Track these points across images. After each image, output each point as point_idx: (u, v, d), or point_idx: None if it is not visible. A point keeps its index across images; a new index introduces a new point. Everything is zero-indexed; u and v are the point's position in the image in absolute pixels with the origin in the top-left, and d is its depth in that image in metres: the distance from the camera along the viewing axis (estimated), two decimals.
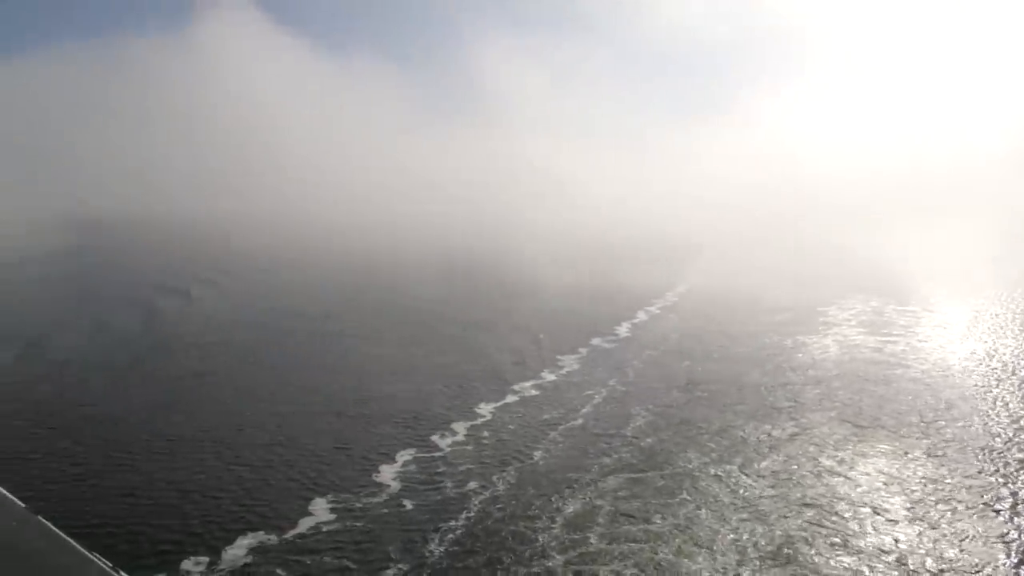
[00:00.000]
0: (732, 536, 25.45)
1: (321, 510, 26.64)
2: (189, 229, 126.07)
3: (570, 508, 27.35)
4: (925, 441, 35.16)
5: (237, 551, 24.00)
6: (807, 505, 28.07)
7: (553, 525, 26.08)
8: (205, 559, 23.44)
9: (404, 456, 31.62)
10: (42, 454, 31.30)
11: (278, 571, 22.86)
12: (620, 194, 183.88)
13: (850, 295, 75.97)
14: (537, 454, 32.48)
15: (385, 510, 26.87)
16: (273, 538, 24.74)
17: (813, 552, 24.61)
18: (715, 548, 24.62)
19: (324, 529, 25.34)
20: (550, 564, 23.67)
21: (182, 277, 78.98)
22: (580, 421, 36.99)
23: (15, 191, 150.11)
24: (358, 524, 25.76)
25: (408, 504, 27.33)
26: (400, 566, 23.23)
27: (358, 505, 27.13)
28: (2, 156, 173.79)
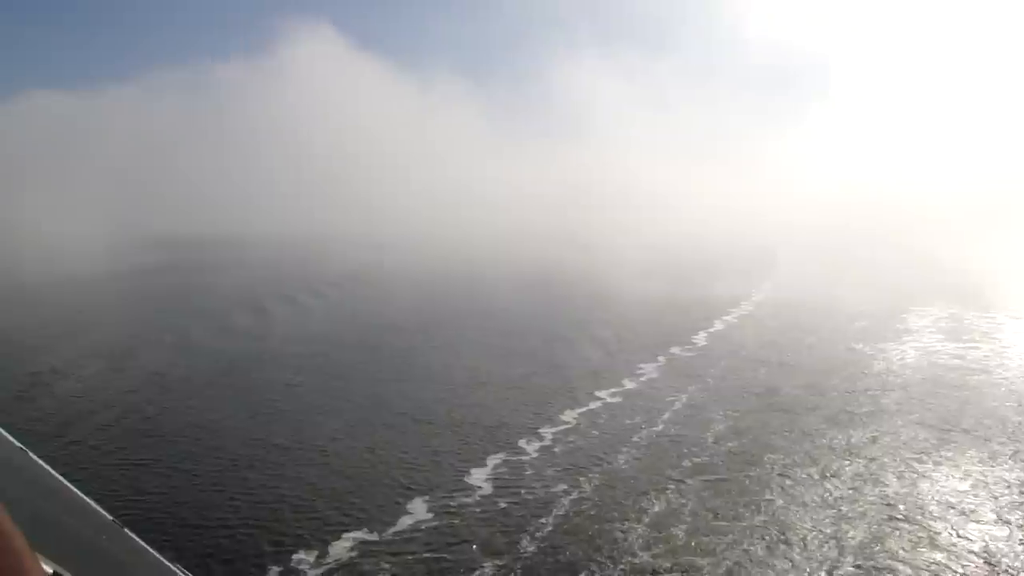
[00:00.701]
0: (820, 534, 26.09)
1: (419, 509, 28.23)
2: (273, 247, 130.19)
3: (655, 507, 28.36)
4: (1011, 446, 34.99)
5: (343, 546, 25.70)
6: (891, 505, 28.49)
7: (639, 524, 27.12)
8: (314, 552, 25.27)
9: (494, 460, 33.08)
10: (132, 465, 32.82)
11: (383, 563, 24.54)
12: (701, 205, 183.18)
13: (930, 302, 74.83)
14: (621, 458, 33.57)
15: (479, 509, 28.35)
16: (375, 535, 26.39)
17: (900, 549, 25.14)
18: (807, 544, 25.38)
19: (423, 527, 26.92)
20: (638, 560, 24.77)
21: (268, 293, 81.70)
22: (661, 427, 37.92)
23: (105, 210, 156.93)
24: (455, 522, 27.28)
25: (500, 503, 28.75)
26: (496, 561, 24.62)
27: (453, 505, 28.66)
28: (96, 177, 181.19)
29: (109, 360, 51.28)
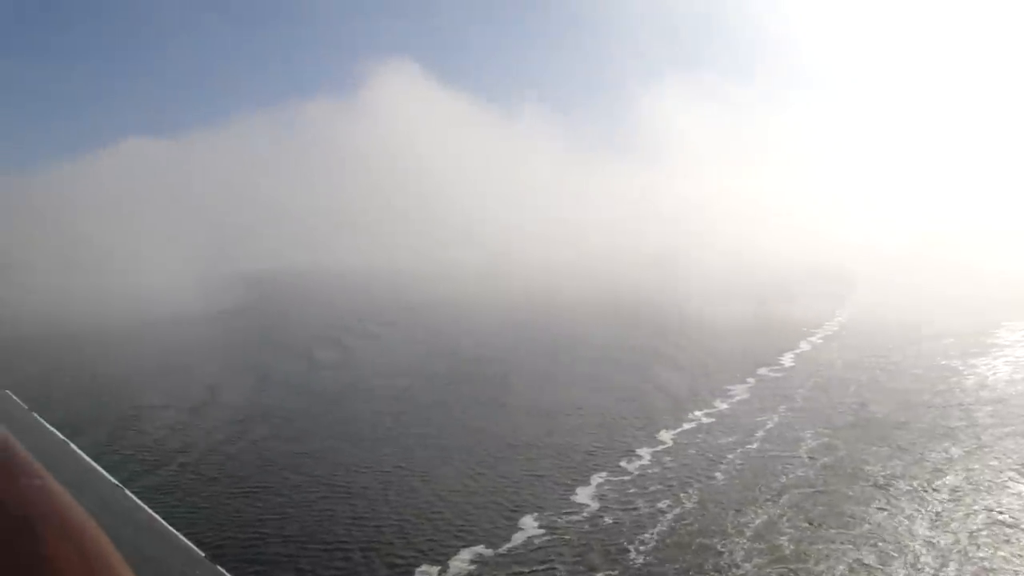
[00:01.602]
0: (928, 544, 26.86)
1: (529, 526, 29.85)
2: (360, 279, 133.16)
3: (756, 521, 29.41)
4: None
5: (461, 562, 27.49)
6: (993, 513, 29.01)
7: (741, 537, 28.22)
8: (436, 568, 27.08)
9: (597, 479, 34.53)
10: (232, 496, 34.40)
11: None
12: (780, 225, 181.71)
13: (1021, 317, 73.56)
14: (718, 475, 34.66)
15: (587, 526, 29.81)
16: (491, 551, 28.10)
17: (1009, 556, 25.77)
18: (916, 553, 26.18)
19: (536, 542, 28.52)
20: (743, 570, 25.91)
21: (356, 325, 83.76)
22: (756, 445, 38.82)
23: (195, 250, 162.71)
24: (565, 537, 28.80)
25: (606, 519, 30.18)
26: (608, 572, 26.10)
27: (561, 522, 30.20)
28: (188, 218, 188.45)
29: (204, 396, 53.63)
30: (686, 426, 42.15)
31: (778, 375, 55.32)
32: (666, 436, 40.31)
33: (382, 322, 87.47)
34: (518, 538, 28.94)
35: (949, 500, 30.62)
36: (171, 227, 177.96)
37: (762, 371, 55.91)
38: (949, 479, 32.82)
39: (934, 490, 31.66)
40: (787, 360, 60.62)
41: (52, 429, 24.55)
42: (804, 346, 66.68)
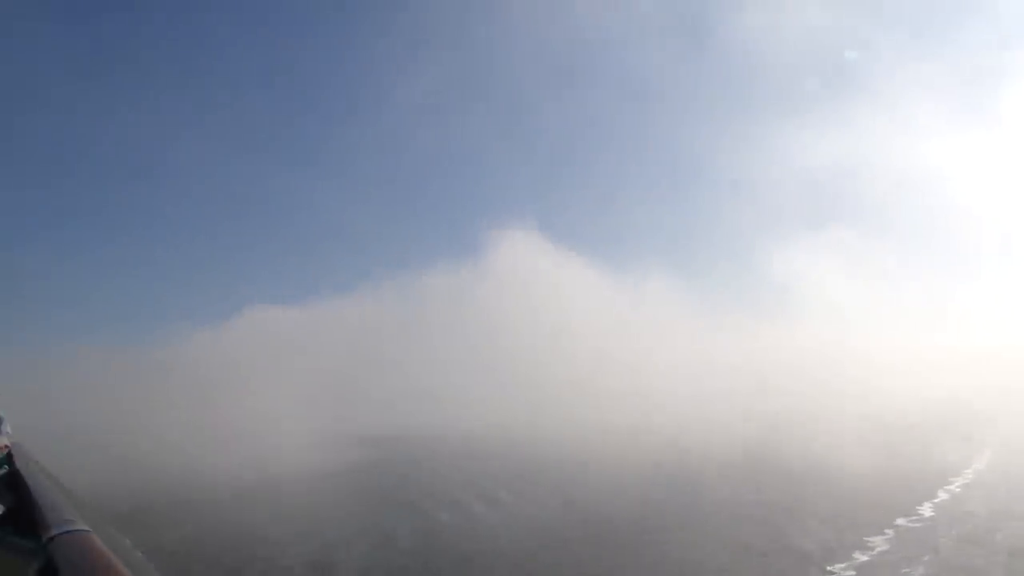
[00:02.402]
0: None
1: None
2: (484, 442, 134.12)
3: None
4: None
5: None
6: None
7: None
8: None
9: None
10: None
11: None
12: (911, 372, 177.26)
13: None
14: None
15: None
16: None
17: None
18: None
19: None
20: None
21: (483, 487, 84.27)
22: None
23: (318, 411, 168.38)
24: None
25: None
26: None
27: None
28: (310, 381, 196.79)
29: (330, 555, 55.55)
30: None
31: (918, 525, 53.75)
32: None
33: (507, 482, 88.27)
34: None
35: None
36: (294, 390, 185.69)
37: (900, 521, 54.42)
38: None
39: None
40: (926, 510, 58.81)
41: None
42: (943, 495, 64.48)
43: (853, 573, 42.83)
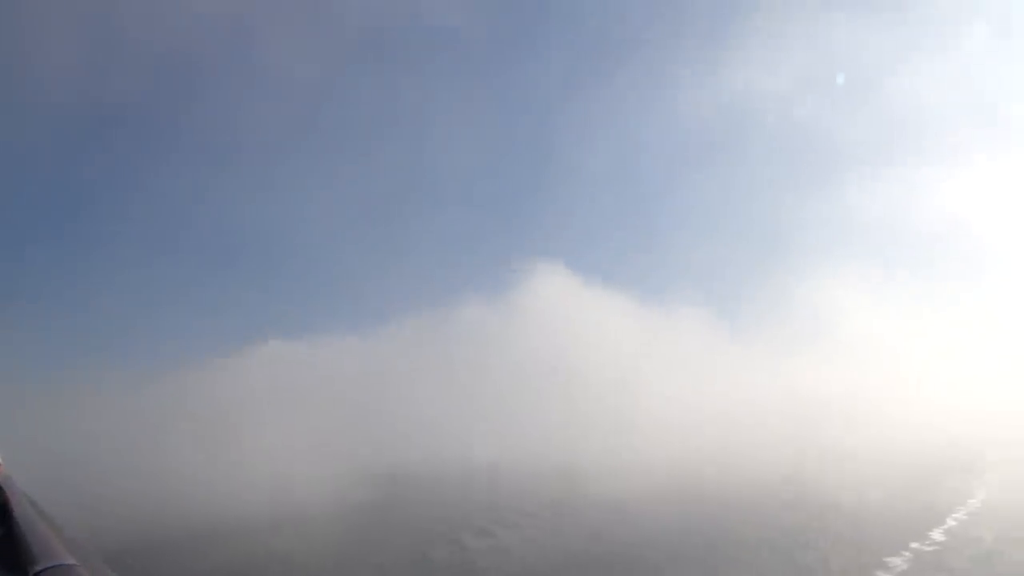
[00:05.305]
0: None
1: None
2: (508, 479, 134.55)
3: None
4: None
5: None
6: None
7: None
8: None
9: None
10: None
11: None
12: (928, 410, 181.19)
13: None
14: None
15: None
16: None
17: None
18: None
19: None
20: None
21: (505, 517, 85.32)
22: None
23: (331, 448, 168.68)
24: None
25: None
26: None
27: None
28: (325, 417, 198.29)
29: None
30: None
31: (930, 548, 58.46)
32: None
33: (531, 514, 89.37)
34: None
35: None
36: (306, 426, 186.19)
37: (915, 545, 59.12)
38: None
39: None
40: (936, 534, 63.49)
41: None
42: (950, 522, 69.09)
43: None
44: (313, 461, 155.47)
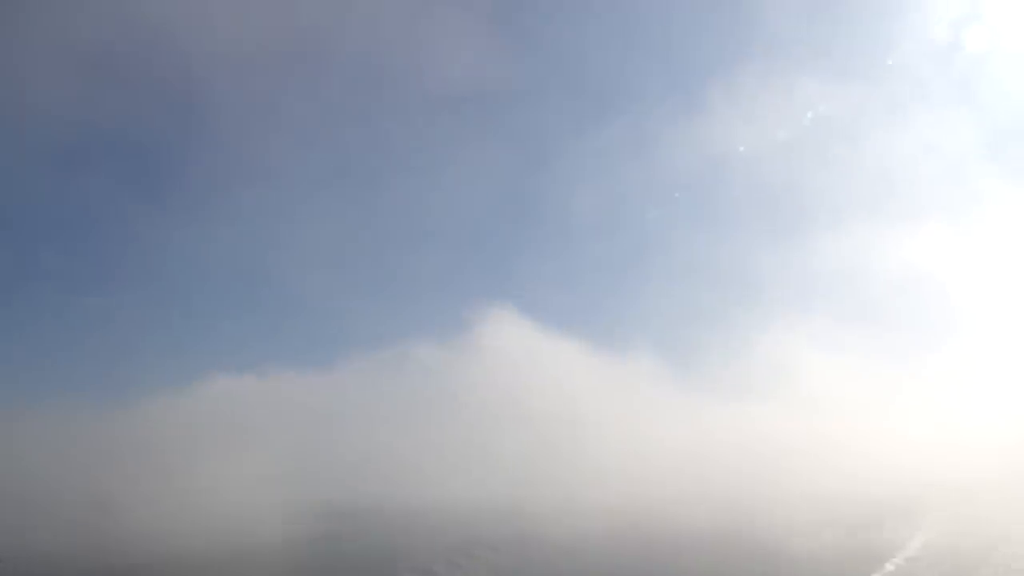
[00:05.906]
0: None
1: None
2: (456, 518, 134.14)
3: None
4: None
5: None
6: None
7: None
8: None
9: None
10: None
11: None
12: (876, 456, 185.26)
13: None
14: None
15: None
16: None
17: None
18: None
19: None
20: None
21: (460, 557, 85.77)
22: None
23: (277, 483, 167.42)
24: None
25: None
26: None
27: None
28: (273, 453, 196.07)
29: None
30: None
31: None
32: None
33: (481, 552, 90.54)
34: None
35: None
36: (254, 461, 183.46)
37: None
38: None
39: None
40: None
41: None
42: (889, 567, 71.57)
43: None
44: (265, 494, 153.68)
